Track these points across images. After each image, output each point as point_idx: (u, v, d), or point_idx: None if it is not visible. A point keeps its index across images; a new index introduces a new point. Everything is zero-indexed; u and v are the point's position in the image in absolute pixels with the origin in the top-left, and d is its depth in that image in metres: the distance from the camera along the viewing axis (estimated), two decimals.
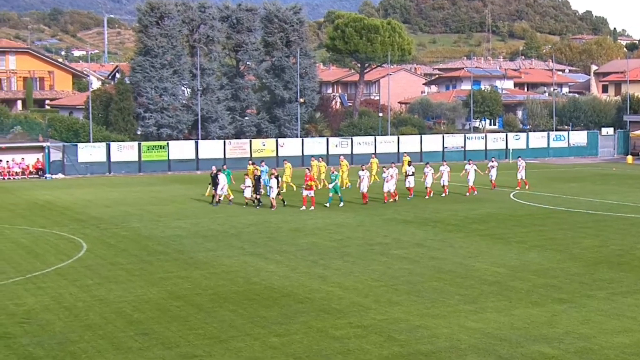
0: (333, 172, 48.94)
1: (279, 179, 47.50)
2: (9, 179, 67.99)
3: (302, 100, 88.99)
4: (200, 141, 78.89)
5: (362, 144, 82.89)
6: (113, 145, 73.88)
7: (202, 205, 46.80)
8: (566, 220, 42.05)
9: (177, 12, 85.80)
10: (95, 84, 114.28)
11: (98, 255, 32.96)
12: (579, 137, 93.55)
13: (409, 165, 53.25)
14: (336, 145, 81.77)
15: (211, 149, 77.09)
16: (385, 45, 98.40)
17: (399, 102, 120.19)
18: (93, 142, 76.19)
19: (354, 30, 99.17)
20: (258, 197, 46.86)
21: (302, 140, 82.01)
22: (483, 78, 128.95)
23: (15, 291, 26.55)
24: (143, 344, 20.76)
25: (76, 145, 73.97)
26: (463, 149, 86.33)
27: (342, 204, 47.05)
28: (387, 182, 48.89)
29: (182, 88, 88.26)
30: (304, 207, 45.55)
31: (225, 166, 51.34)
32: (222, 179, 47.80)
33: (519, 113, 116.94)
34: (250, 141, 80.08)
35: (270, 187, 46.18)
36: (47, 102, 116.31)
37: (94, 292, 26.34)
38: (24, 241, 36.39)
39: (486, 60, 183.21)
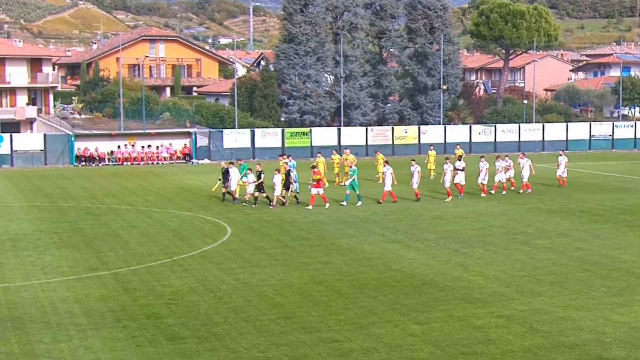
0: (351, 167, 44.61)
1: (290, 174, 43.65)
2: (158, 163, 70.04)
3: (445, 87, 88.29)
4: (342, 128, 79.27)
5: (506, 132, 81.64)
6: (257, 131, 75.08)
7: (342, 191, 46.61)
8: None
9: (321, 0, 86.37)
10: (241, 71, 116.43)
11: (242, 239, 33.58)
12: None
13: (459, 160, 46.11)
14: (479, 133, 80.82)
15: (353, 135, 77.36)
16: (531, 31, 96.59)
17: (544, 89, 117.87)
18: (238, 128, 77.66)
19: (499, 15, 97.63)
20: (265, 194, 42.46)
21: (445, 127, 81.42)
22: (633, 64, 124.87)
23: (163, 273, 27.35)
24: (285, 327, 21.06)
25: (222, 131, 75.53)
26: (611, 138, 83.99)
27: (359, 203, 42.61)
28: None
29: (325, 75, 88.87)
30: (310, 207, 41.34)
31: (241, 161, 46.82)
32: (235, 173, 43.77)
33: None
34: (393, 128, 79.98)
35: (275, 184, 42.23)
36: (195, 88, 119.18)
37: (237, 276, 26.87)
38: (171, 224, 37.41)
39: (637, 45, 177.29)
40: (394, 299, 23.78)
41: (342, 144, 75.19)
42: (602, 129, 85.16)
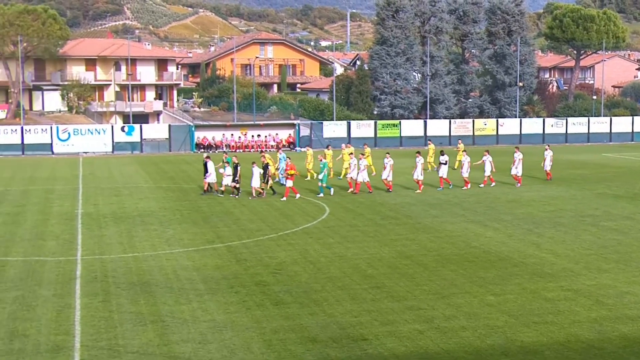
0: (321, 160, 41.07)
1: (268, 168, 41.07)
2: (266, 150, 70.53)
3: (521, 84, 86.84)
4: (428, 120, 78.74)
5: (576, 125, 79.92)
6: (353, 123, 75.12)
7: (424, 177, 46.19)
8: None
9: (411, 6, 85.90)
10: (339, 70, 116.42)
11: (338, 218, 33.67)
12: None
13: (442, 155, 43.18)
14: (552, 126, 79.36)
15: (438, 127, 76.85)
16: (601, 33, 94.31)
17: (612, 86, 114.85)
18: (336, 120, 77.83)
19: (572, 20, 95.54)
20: (266, 186, 40.32)
21: (520, 120, 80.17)
22: None
23: (270, 246, 27.62)
24: (375, 296, 21.07)
25: (322, 123, 75.75)
26: None
27: (331, 192, 40.46)
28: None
29: (414, 73, 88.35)
30: (284, 198, 38.71)
31: (226, 155, 43.39)
32: (211, 166, 40.83)
33: None
34: (473, 121, 79.12)
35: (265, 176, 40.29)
36: (298, 85, 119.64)
37: (334, 250, 26.96)
38: (277, 204, 37.71)
39: None
40: (472, 272, 23.57)
41: (427, 134, 74.87)
42: None
